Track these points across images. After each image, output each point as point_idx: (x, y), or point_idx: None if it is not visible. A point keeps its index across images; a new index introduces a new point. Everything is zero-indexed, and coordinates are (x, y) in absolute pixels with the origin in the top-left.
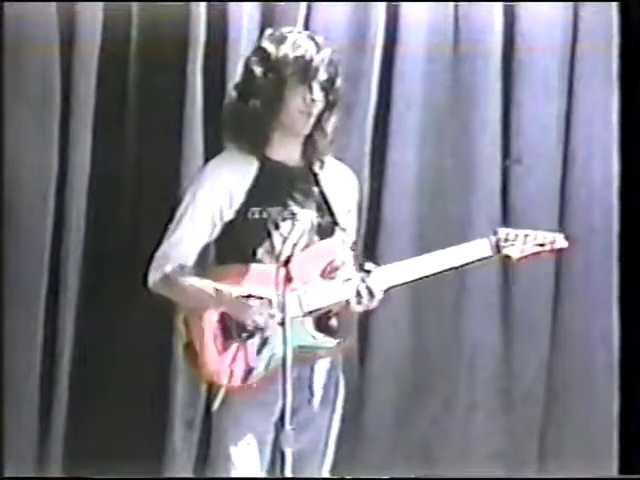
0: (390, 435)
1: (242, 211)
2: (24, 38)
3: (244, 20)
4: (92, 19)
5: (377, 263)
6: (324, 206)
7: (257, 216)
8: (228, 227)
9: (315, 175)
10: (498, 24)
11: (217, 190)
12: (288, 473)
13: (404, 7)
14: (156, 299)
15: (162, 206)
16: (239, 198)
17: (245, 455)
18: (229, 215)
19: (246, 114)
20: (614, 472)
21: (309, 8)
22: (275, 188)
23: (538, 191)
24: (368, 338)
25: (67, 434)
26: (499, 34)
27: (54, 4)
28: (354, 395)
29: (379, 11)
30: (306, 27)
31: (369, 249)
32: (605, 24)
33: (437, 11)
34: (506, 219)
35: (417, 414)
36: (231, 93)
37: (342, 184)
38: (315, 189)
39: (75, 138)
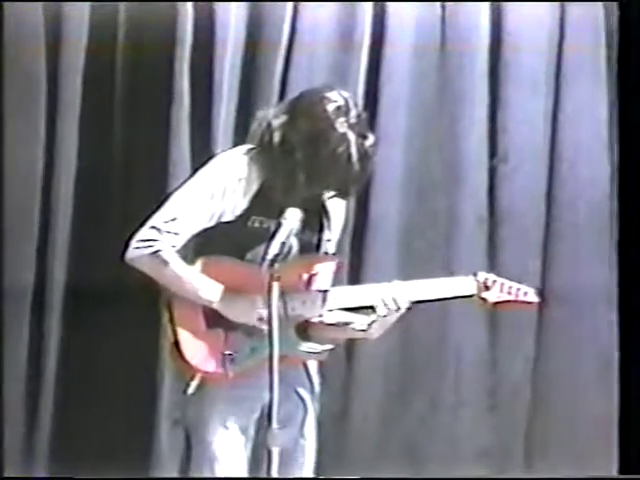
0: (377, 434)
1: (242, 217)
2: (18, 37)
3: (231, 20)
4: (79, 19)
5: (364, 259)
6: (318, 222)
7: (257, 225)
8: (224, 225)
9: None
10: (485, 23)
11: (225, 196)
12: (274, 472)
13: (391, 6)
14: (144, 297)
15: (149, 205)
16: (242, 205)
17: (227, 451)
18: (229, 217)
19: (291, 163)
20: (614, 472)
21: (296, 8)
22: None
23: (525, 189)
24: None
25: (54, 434)
26: (486, 33)
27: (40, 4)
28: (341, 394)
29: (366, 10)
30: (293, 27)
31: (356, 247)
32: (592, 23)
33: (424, 10)
34: (493, 217)
35: (404, 413)
36: (282, 116)
37: (337, 202)
38: (316, 206)
39: (62, 138)
